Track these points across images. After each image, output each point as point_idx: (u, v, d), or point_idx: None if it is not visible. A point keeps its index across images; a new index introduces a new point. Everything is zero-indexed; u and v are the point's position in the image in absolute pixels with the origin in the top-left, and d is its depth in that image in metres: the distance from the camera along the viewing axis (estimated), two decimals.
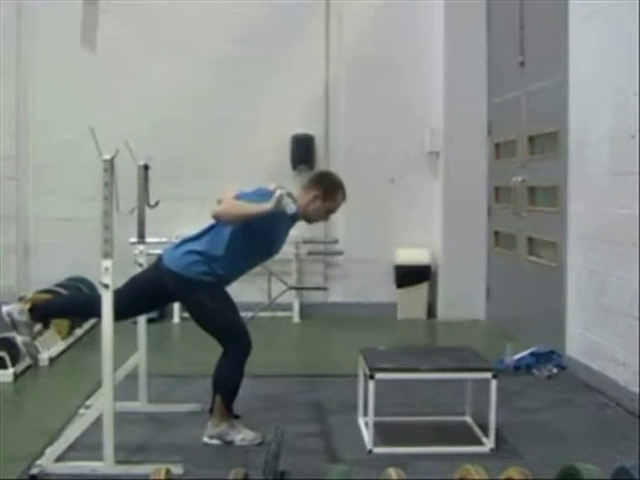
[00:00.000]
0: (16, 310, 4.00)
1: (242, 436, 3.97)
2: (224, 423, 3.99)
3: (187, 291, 3.96)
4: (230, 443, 3.96)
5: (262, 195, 3.84)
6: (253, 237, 3.88)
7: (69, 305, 4.58)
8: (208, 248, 3.97)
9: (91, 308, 3.97)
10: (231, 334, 4.00)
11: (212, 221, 3.99)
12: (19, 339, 4.13)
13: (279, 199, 3.68)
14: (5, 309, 4.03)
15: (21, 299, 6.83)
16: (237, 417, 4.04)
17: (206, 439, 3.99)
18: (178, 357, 6.21)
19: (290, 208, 3.79)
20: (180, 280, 3.92)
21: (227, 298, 4.05)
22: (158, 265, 4.03)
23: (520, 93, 6.61)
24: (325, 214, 4.07)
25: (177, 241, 4.19)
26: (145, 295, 4.08)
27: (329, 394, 4.90)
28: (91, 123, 3.51)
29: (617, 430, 4.24)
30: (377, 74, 7.60)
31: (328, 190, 4.01)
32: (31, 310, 4.02)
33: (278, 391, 4.96)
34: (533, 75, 6.34)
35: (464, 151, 7.49)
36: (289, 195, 3.84)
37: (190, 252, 3.98)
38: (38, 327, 4.40)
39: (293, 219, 4.02)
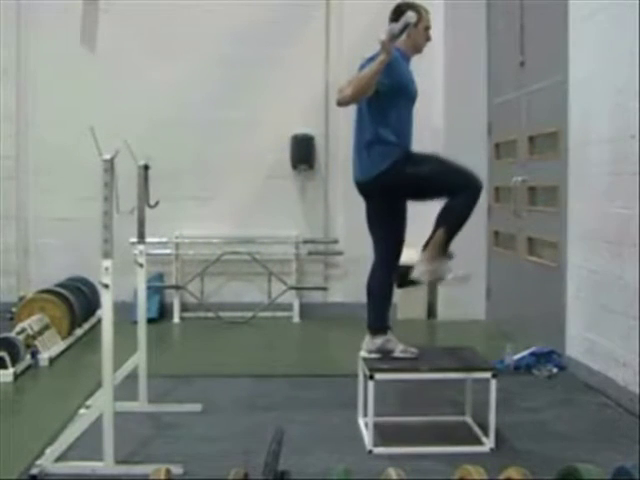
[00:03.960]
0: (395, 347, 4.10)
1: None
2: (438, 259, 4.00)
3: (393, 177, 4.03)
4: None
5: (372, 58, 3.87)
6: (392, 94, 3.92)
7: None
8: (374, 133, 4.01)
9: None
10: (459, 180, 4.14)
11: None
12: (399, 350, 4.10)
13: (385, 40, 3.69)
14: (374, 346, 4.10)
15: (21, 299, 6.87)
16: (451, 256, 4.12)
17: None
18: (178, 357, 6.21)
19: (402, 25, 3.78)
20: (381, 176, 4.03)
21: (426, 157, 4.15)
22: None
23: (520, 93, 6.61)
24: (426, 34, 4.19)
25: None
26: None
27: (329, 394, 4.90)
28: (91, 123, 3.51)
29: (617, 430, 4.24)
30: None
31: (413, 12, 4.05)
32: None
33: (278, 391, 4.96)
34: (533, 75, 6.34)
35: (464, 151, 7.46)
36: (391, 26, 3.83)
37: (368, 150, 4.04)
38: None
39: (407, 58, 4.15)
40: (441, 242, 4.06)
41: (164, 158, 5.86)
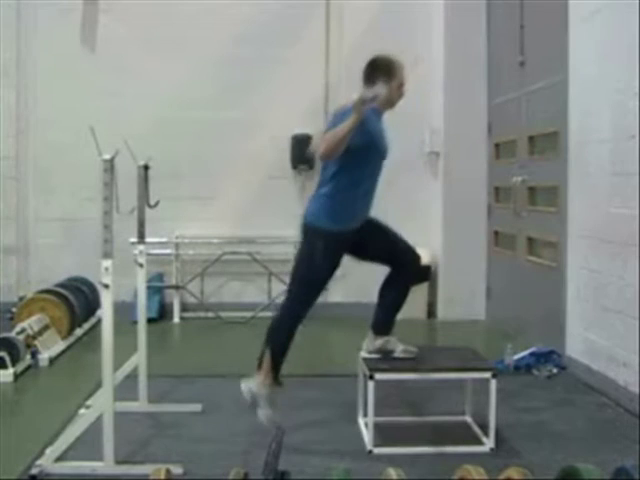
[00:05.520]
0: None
1: (269, 412, 3.99)
2: (266, 385, 3.99)
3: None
4: (254, 407, 4.00)
5: (345, 114, 3.83)
6: (363, 152, 3.91)
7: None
8: (340, 188, 3.99)
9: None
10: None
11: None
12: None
13: (357, 102, 3.68)
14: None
15: (21, 299, 6.87)
16: (280, 383, 4.08)
17: (242, 386, 4.03)
18: (178, 357, 6.20)
19: (372, 93, 3.77)
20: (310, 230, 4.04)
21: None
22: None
23: (520, 93, 6.61)
24: (400, 91, 4.14)
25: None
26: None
27: (329, 394, 4.90)
28: (91, 123, 3.51)
29: (617, 430, 4.24)
30: None
31: (387, 70, 4.08)
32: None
33: (277, 391, 4.95)
34: (533, 75, 6.34)
35: (464, 151, 7.49)
36: (364, 92, 3.83)
37: (323, 199, 4.02)
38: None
39: (380, 114, 4.12)
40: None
41: (164, 158, 5.85)
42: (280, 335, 4.06)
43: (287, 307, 4.11)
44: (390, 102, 4.12)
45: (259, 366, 4.05)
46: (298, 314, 4.08)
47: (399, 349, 4.10)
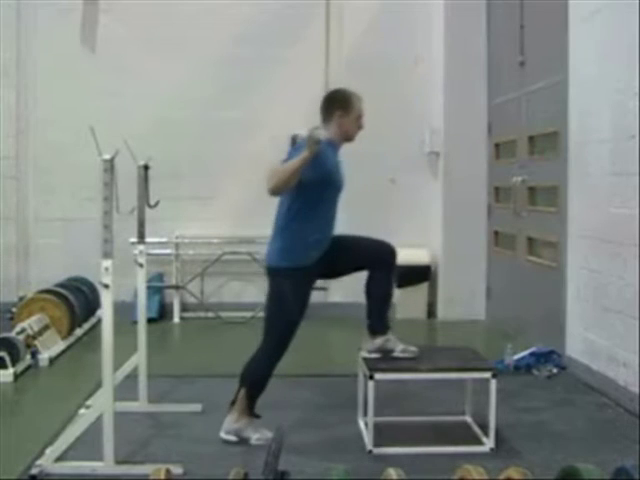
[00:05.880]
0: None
1: (259, 435, 3.95)
2: (244, 419, 3.99)
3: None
4: (246, 440, 3.96)
5: (298, 148, 3.81)
6: (317, 186, 3.87)
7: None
8: (296, 223, 3.96)
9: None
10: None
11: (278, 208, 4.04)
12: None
13: (309, 138, 3.63)
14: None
15: (21, 299, 6.87)
16: (258, 416, 4.04)
17: (223, 435, 4.00)
18: (178, 357, 6.20)
19: (323, 135, 3.69)
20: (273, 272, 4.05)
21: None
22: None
23: (520, 93, 6.61)
24: (358, 123, 4.09)
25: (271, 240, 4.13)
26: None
27: (329, 394, 4.90)
28: (91, 123, 3.51)
29: (617, 430, 4.24)
30: (377, 74, 7.59)
31: (344, 103, 4.05)
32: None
33: (278, 391, 4.94)
34: (533, 75, 6.34)
35: (464, 151, 7.49)
36: (317, 128, 3.77)
37: (280, 238, 4.01)
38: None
39: (336, 147, 4.07)
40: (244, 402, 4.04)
41: (164, 158, 5.85)
42: (257, 377, 4.04)
43: (264, 350, 4.07)
44: (348, 135, 4.09)
45: (232, 403, 4.03)
46: (276, 356, 4.05)
47: (399, 348, 4.09)
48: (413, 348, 4.12)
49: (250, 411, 4.01)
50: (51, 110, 7.53)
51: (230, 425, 4.00)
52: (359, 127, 4.11)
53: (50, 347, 5.89)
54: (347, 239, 4.23)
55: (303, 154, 3.65)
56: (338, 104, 4.06)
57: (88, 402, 4.37)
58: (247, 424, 3.99)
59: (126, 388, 4.27)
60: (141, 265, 4.48)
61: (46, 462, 3.56)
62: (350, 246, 4.20)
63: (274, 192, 3.77)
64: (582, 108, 5.32)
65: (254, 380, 4.04)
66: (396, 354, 4.08)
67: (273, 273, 4.05)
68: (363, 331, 4.21)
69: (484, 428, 4.01)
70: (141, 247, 4.49)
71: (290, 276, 3.96)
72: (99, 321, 5.18)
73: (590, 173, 5.19)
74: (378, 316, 4.12)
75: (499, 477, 2.71)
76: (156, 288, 7.46)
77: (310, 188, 3.85)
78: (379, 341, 4.09)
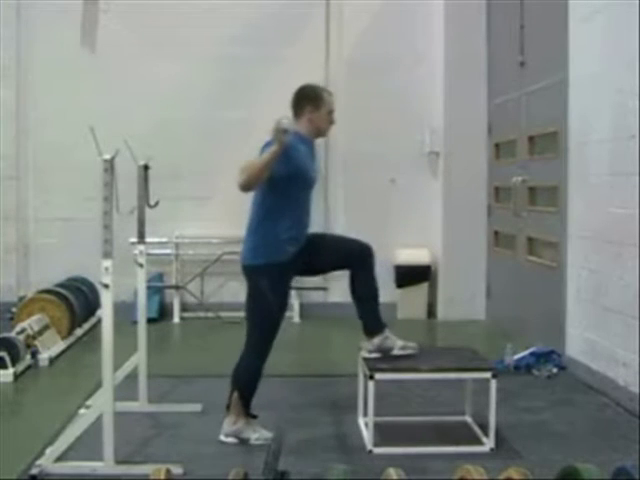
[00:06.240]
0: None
1: (258, 435, 3.96)
2: (241, 420, 3.99)
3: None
4: (246, 441, 3.96)
5: (269, 143, 3.79)
6: (288, 181, 3.87)
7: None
8: (269, 219, 3.99)
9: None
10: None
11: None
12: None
13: (275, 129, 3.61)
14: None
15: (21, 299, 6.87)
16: (254, 417, 4.04)
17: (222, 438, 4.00)
18: (178, 357, 6.21)
19: (287, 124, 3.65)
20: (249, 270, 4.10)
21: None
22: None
23: (520, 93, 6.61)
24: (329, 118, 4.09)
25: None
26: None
27: (329, 394, 4.90)
28: (91, 123, 3.51)
29: (617, 430, 4.24)
30: (377, 74, 7.59)
31: (314, 99, 4.05)
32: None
33: (278, 391, 4.96)
34: (533, 75, 6.34)
35: (464, 151, 7.49)
36: (282, 118, 3.73)
37: (253, 235, 4.07)
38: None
39: (309, 142, 4.06)
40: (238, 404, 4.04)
41: (164, 158, 5.85)
42: (247, 377, 4.04)
43: (250, 350, 4.09)
44: (319, 130, 4.10)
45: (228, 408, 4.03)
46: (262, 354, 4.07)
47: (398, 345, 4.09)
48: (413, 344, 4.11)
49: (246, 412, 4.02)
50: (51, 110, 7.53)
51: (228, 428, 4.01)
52: (331, 122, 4.11)
53: (50, 347, 5.89)
54: (325, 237, 4.29)
55: (272, 148, 3.65)
56: (308, 100, 4.06)
57: (88, 402, 4.37)
58: (245, 425, 3.99)
59: (126, 388, 4.27)
60: (141, 265, 4.48)
61: (46, 462, 3.56)
62: (328, 245, 4.21)
63: (244, 187, 3.76)
64: (582, 108, 5.32)
65: (244, 381, 4.04)
66: (396, 351, 4.07)
67: (249, 271, 4.07)
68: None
69: (484, 428, 4.01)
70: (141, 247, 4.50)
71: (266, 272, 3.98)
72: (99, 321, 5.18)
73: (590, 173, 5.19)
74: (372, 316, 4.11)
75: (499, 477, 2.71)
76: (156, 288, 7.46)
77: (281, 184, 3.85)
78: (377, 340, 4.08)
